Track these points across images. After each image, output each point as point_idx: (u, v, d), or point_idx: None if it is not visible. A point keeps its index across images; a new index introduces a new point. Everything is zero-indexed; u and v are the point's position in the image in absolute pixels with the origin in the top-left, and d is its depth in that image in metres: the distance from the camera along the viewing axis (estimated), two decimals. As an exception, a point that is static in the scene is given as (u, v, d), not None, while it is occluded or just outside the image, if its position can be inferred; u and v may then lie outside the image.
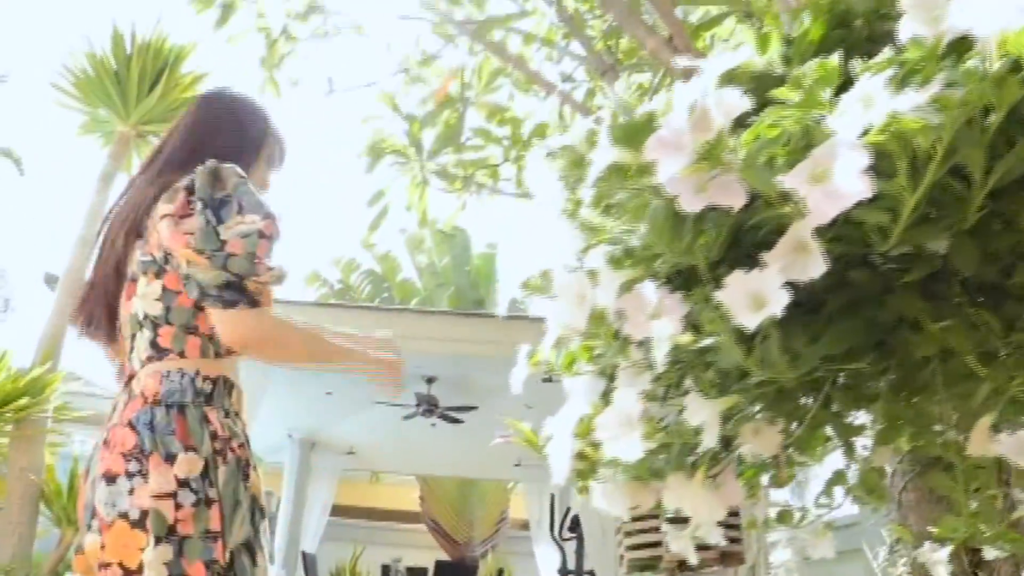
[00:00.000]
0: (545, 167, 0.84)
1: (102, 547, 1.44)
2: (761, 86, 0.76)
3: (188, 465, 1.45)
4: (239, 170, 1.59)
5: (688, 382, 0.73)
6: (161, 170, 1.69)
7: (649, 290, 0.68)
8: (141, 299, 1.58)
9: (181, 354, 1.55)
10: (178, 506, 1.42)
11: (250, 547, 1.51)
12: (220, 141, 1.72)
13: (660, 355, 0.65)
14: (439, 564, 7.73)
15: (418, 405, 7.89)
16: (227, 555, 1.44)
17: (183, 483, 1.43)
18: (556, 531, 9.27)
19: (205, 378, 1.55)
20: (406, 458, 10.56)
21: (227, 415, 1.55)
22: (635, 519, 1.67)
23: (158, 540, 1.39)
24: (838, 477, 1.07)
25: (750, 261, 0.63)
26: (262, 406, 7.01)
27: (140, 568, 1.40)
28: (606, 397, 0.81)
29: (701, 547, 1.66)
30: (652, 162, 0.63)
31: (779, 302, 0.60)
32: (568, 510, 9.45)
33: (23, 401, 3.58)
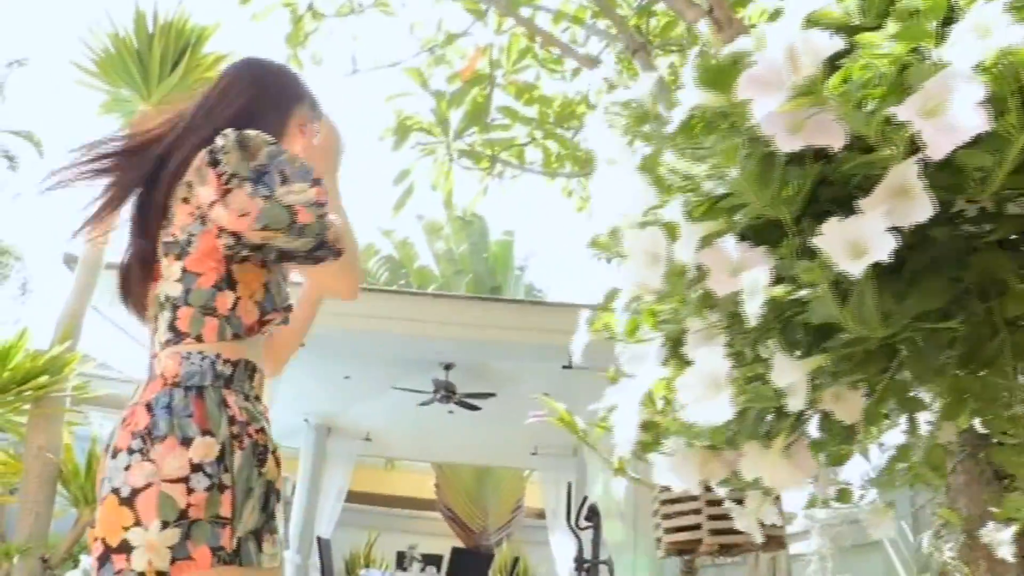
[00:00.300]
0: (607, 123, 0.78)
1: (95, 521, 1.41)
2: (840, 33, 0.70)
3: (204, 449, 1.41)
4: (265, 135, 1.53)
5: (771, 342, 0.66)
6: (175, 144, 1.63)
7: (730, 244, 0.62)
8: (164, 281, 1.56)
9: (199, 338, 1.52)
10: (190, 491, 1.38)
11: (258, 534, 1.46)
12: (236, 105, 1.66)
13: (754, 309, 0.59)
14: (455, 551, 7.72)
15: (435, 391, 7.86)
16: (234, 541, 1.40)
17: (197, 467, 1.40)
18: (573, 520, 9.23)
19: (226, 361, 1.51)
20: (422, 445, 10.55)
21: (247, 399, 1.52)
22: (673, 501, 1.61)
23: (165, 524, 1.35)
24: (902, 454, 1.01)
25: (828, 216, 0.58)
26: (279, 390, 7.03)
27: (121, 547, 1.36)
28: (677, 362, 0.74)
29: (740, 531, 1.60)
30: (742, 104, 0.57)
31: (883, 248, 0.54)
32: (585, 499, 9.40)
33: (42, 379, 3.56)
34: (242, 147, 1.50)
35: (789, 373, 0.61)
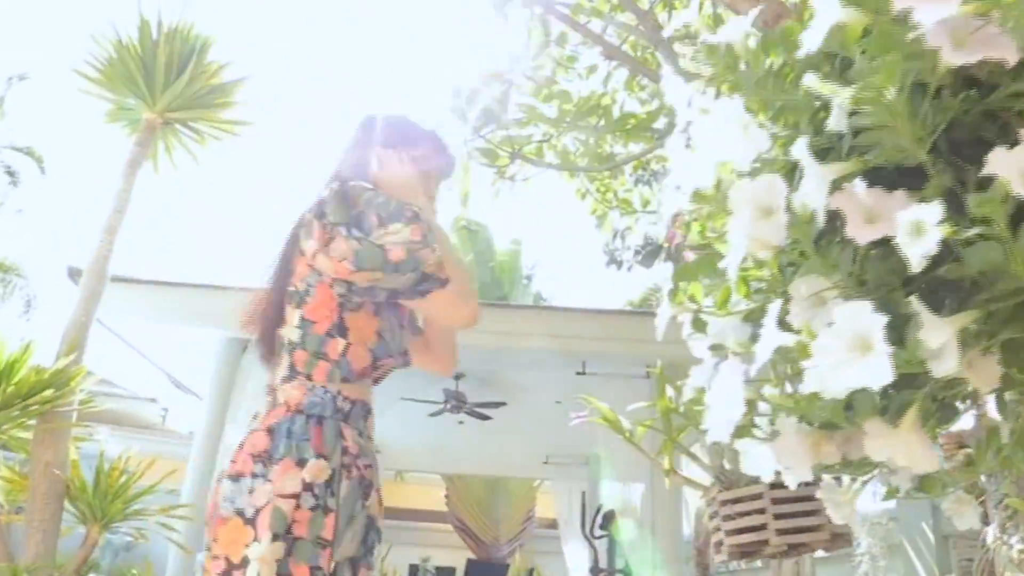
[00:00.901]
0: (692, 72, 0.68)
1: (215, 540, 1.51)
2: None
3: (316, 471, 1.52)
4: (365, 184, 1.71)
5: (910, 300, 0.55)
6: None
7: (860, 187, 0.51)
8: (287, 326, 1.70)
9: (309, 377, 1.65)
10: (298, 507, 1.49)
11: (355, 564, 1.54)
12: (349, 161, 1.82)
13: (920, 253, 0.48)
14: (470, 563, 7.59)
15: (446, 402, 7.76)
16: (332, 565, 1.49)
17: (307, 487, 1.51)
18: (587, 529, 9.10)
19: (345, 398, 1.64)
20: (433, 456, 10.43)
21: (360, 435, 1.63)
22: (734, 501, 1.49)
23: (275, 537, 1.45)
24: (991, 437, 0.90)
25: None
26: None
27: (242, 562, 1.46)
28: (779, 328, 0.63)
29: (811, 528, 1.49)
30: (890, 22, 0.47)
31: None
32: (599, 507, 9.28)
33: (47, 393, 3.46)
34: (342, 197, 1.64)
35: (939, 332, 0.51)
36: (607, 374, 6.76)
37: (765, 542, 1.45)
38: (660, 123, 3.98)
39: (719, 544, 1.57)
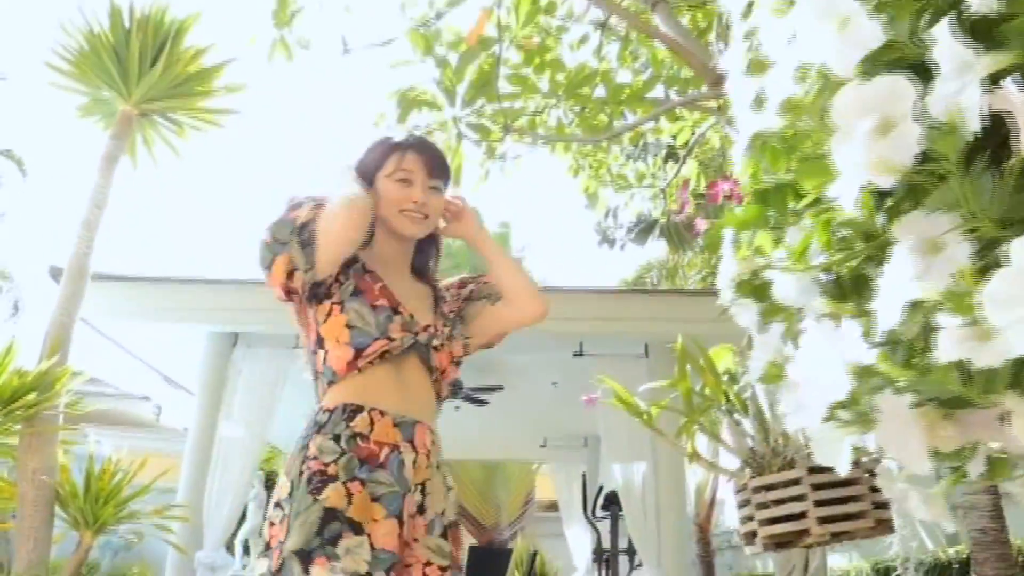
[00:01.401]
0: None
1: None
2: None
3: (280, 489, 1.64)
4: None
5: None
6: None
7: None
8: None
9: (320, 398, 1.75)
10: (271, 524, 1.61)
11: (307, 555, 1.50)
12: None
13: None
14: (472, 550, 7.54)
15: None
16: (280, 561, 1.52)
17: (277, 504, 1.62)
18: (589, 511, 9.04)
19: (323, 410, 1.69)
20: (430, 443, 10.30)
21: (336, 437, 1.63)
22: (768, 488, 1.39)
23: (259, 556, 1.59)
24: None
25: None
26: (284, 394, 6.82)
27: None
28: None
29: (854, 515, 1.39)
30: None
31: None
32: (600, 489, 9.20)
33: (31, 397, 3.33)
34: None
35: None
36: (605, 355, 6.68)
37: (805, 532, 1.34)
38: (657, 92, 3.86)
39: (751, 535, 1.46)
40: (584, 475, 9.88)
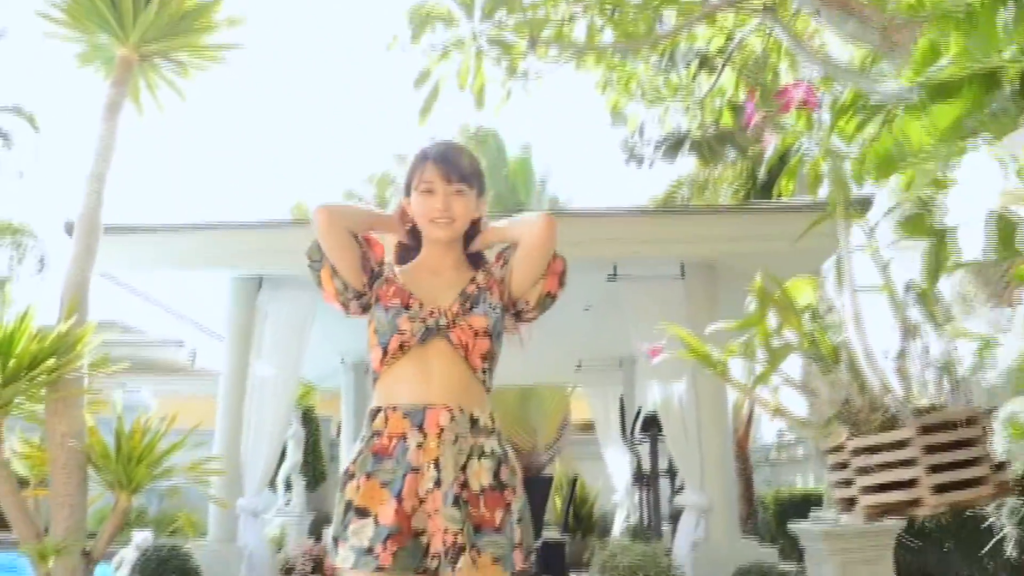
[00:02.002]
0: None
1: None
2: None
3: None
4: None
5: None
6: None
7: None
8: None
9: None
10: None
11: (335, 540, 1.89)
12: None
13: None
14: (513, 479, 7.53)
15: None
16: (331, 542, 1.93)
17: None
18: (628, 434, 8.97)
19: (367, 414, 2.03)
20: (464, 373, 10.22)
21: (363, 439, 1.97)
22: (872, 449, 1.19)
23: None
24: None
25: None
26: (314, 333, 6.72)
27: None
28: None
29: (973, 482, 1.20)
30: None
31: None
32: (639, 412, 9.10)
33: (51, 362, 3.20)
34: None
35: None
36: (639, 277, 6.46)
37: (916, 502, 1.15)
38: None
39: (848, 501, 1.27)
40: (622, 399, 9.78)
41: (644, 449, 8.59)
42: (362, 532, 1.83)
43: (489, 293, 2.05)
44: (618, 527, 9.56)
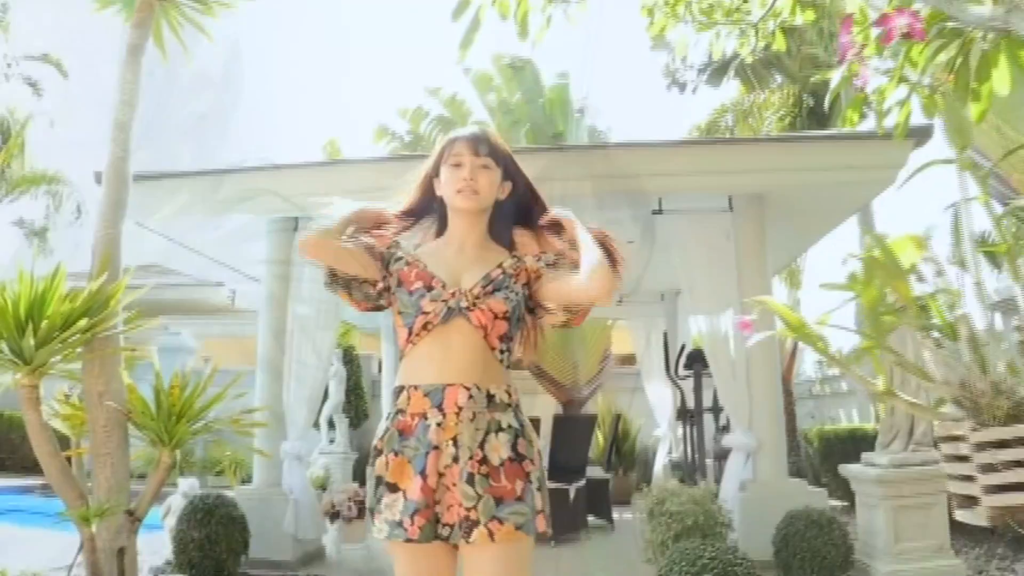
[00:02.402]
0: None
1: None
2: None
3: None
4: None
5: None
6: None
7: None
8: None
9: None
10: None
11: (371, 512, 2.06)
12: None
13: None
14: (557, 419, 7.44)
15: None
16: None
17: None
18: (672, 370, 8.82)
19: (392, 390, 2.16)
20: (504, 309, 10.12)
21: (388, 416, 2.10)
22: (998, 444, 1.01)
23: None
24: None
25: None
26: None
27: None
28: None
29: None
30: None
31: None
32: (683, 348, 8.93)
33: (83, 322, 3.11)
34: None
35: None
36: (686, 210, 6.22)
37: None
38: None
39: (969, 499, 1.09)
40: (665, 335, 9.61)
41: (688, 385, 8.46)
42: (393, 506, 2.00)
43: (514, 280, 2.14)
44: (660, 462, 9.49)
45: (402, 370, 2.11)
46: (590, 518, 7.46)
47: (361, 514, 6.25)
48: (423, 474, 1.99)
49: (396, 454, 2.02)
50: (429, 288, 2.09)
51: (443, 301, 2.07)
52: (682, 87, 7.62)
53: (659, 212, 6.23)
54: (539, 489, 2.05)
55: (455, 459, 2.00)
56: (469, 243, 2.20)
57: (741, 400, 6.05)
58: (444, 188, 2.19)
